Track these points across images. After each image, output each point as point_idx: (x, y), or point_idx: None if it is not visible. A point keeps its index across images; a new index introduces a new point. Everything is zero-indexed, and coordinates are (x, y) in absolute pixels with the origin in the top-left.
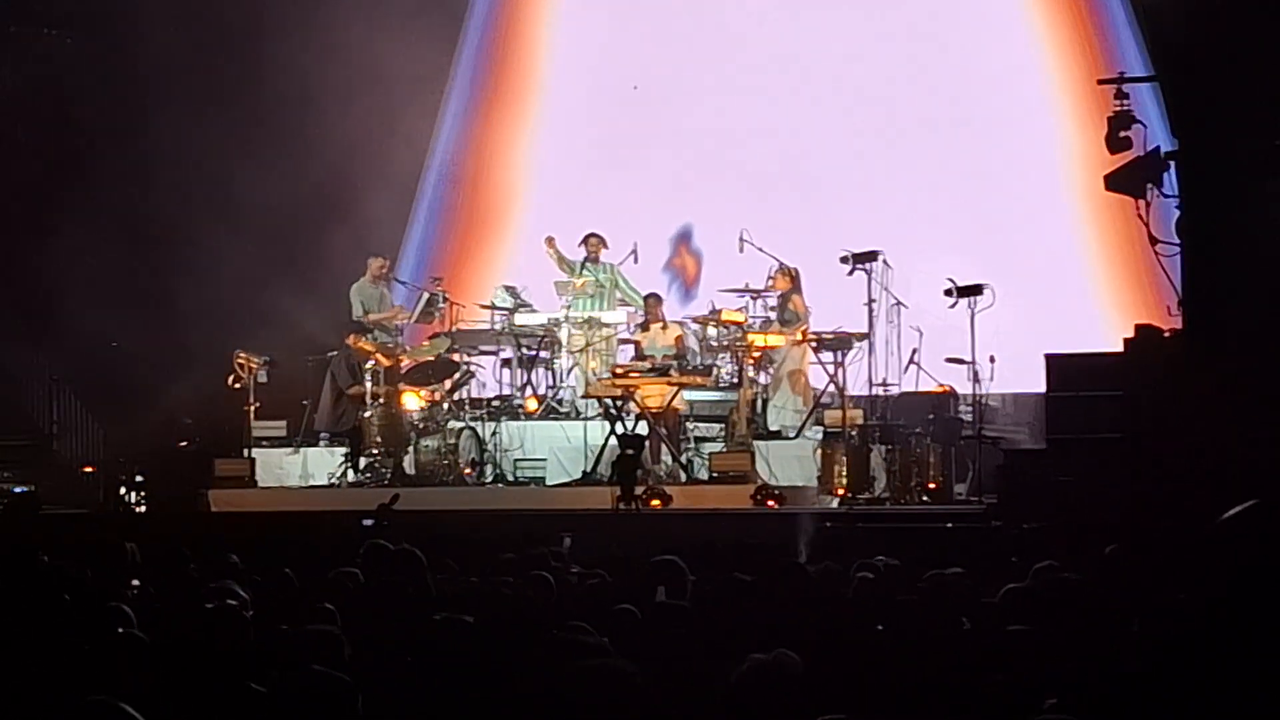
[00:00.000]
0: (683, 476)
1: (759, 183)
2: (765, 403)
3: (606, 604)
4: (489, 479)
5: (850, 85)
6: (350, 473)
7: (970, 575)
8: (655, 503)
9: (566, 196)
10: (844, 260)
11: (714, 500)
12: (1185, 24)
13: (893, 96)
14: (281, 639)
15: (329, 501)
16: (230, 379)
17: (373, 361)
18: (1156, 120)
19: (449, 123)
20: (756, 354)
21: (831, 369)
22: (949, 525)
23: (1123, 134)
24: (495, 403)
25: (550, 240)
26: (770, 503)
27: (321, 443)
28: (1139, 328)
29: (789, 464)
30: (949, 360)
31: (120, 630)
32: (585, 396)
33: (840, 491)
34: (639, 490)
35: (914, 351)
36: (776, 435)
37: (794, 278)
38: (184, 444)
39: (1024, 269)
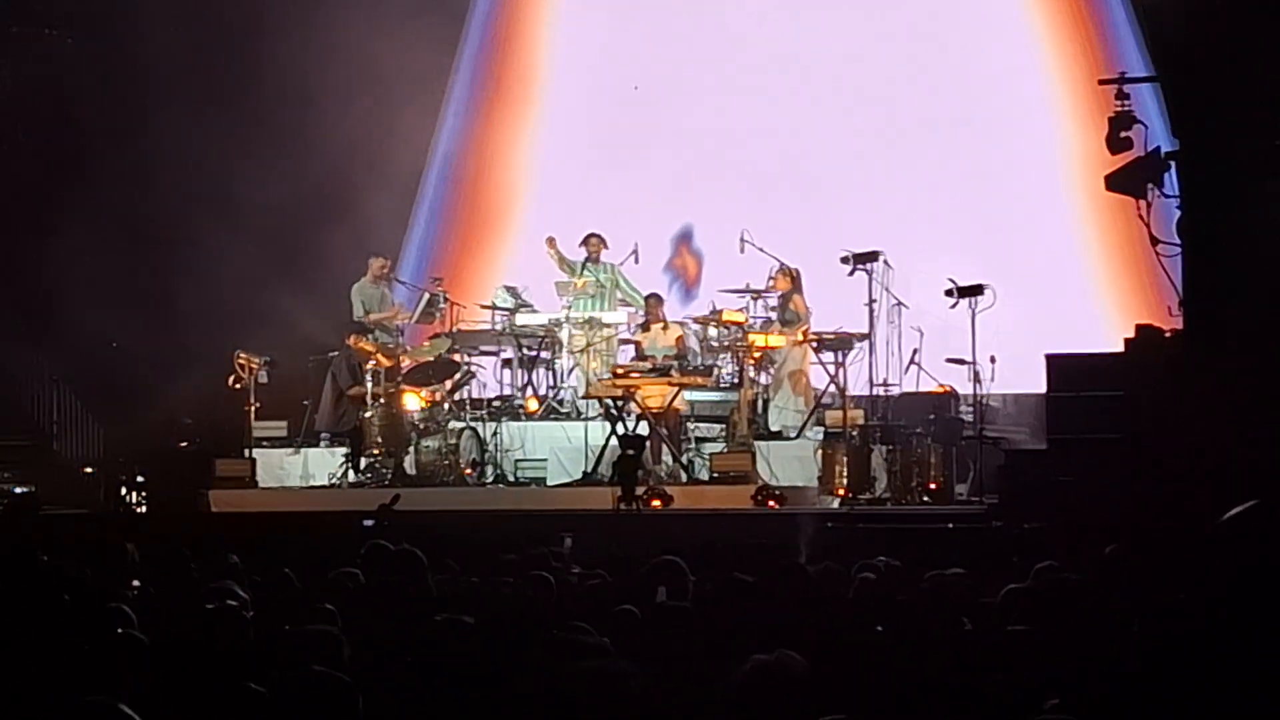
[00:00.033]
0: (683, 477)
1: (760, 183)
2: (766, 403)
3: (607, 604)
4: (490, 479)
5: (850, 85)
6: (351, 473)
7: (971, 576)
8: (656, 503)
9: (567, 196)
10: (845, 260)
11: (715, 500)
12: (1185, 24)
13: (893, 96)
14: (282, 639)
15: (329, 502)
16: (231, 379)
17: (373, 362)
18: (1157, 120)
19: (449, 122)
20: (757, 354)
21: (832, 369)
22: (950, 526)
23: (1123, 134)
24: (496, 403)
25: (551, 240)
26: (771, 503)
27: (322, 443)
28: (1139, 328)
29: (790, 464)
30: (950, 360)
31: (120, 630)
32: (586, 397)
33: (841, 492)
34: (640, 491)
35: (915, 352)
36: (777, 435)
37: (795, 278)
38: (184, 444)
39: (1024, 269)
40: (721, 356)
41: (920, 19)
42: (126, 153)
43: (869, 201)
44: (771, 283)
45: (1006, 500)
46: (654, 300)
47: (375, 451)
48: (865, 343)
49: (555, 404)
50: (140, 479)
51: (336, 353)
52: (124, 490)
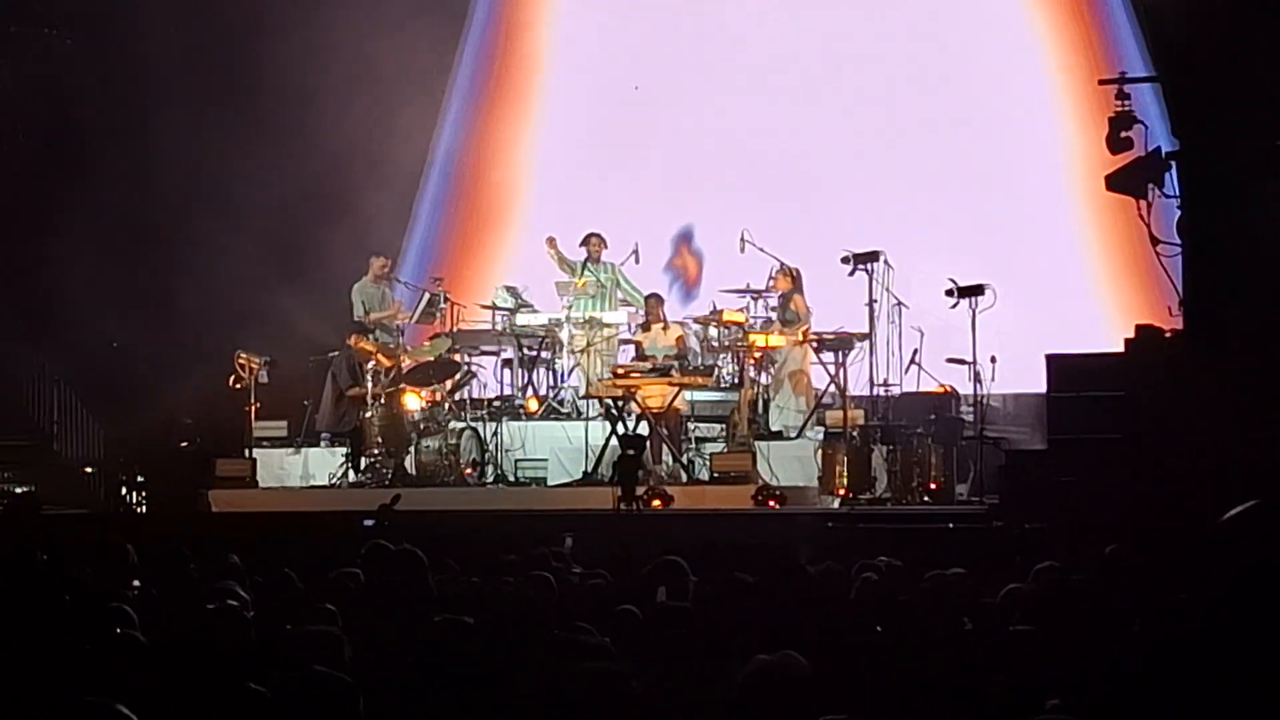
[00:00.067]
0: (684, 477)
1: (760, 183)
2: (767, 403)
3: (608, 604)
4: (490, 479)
5: (850, 85)
6: (351, 473)
7: (972, 576)
8: (656, 503)
9: (567, 196)
10: (845, 260)
11: (715, 500)
12: (1186, 24)
13: (893, 96)
14: (282, 639)
15: (330, 502)
16: (231, 379)
17: (374, 362)
18: (1157, 120)
19: (450, 122)
20: (757, 354)
21: (833, 369)
22: (950, 526)
23: (1124, 134)
24: (496, 403)
25: (551, 240)
26: (771, 503)
27: (322, 443)
28: (1140, 328)
29: (790, 464)
30: (950, 360)
31: (119, 630)
32: (586, 397)
33: (841, 492)
34: (640, 490)
35: (915, 352)
36: (778, 435)
37: (795, 278)
38: (184, 444)
39: (1025, 269)
40: (722, 356)
41: (920, 19)
42: (126, 153)
43: (869, 201)
44: (772, 283)
45: (1007, 500)
46: (654, 300)
47: (375, 451)
48: (866, 343)
49: (555, 404)
50: (140, 479)
51: (337, 353)
52: (124, 490)
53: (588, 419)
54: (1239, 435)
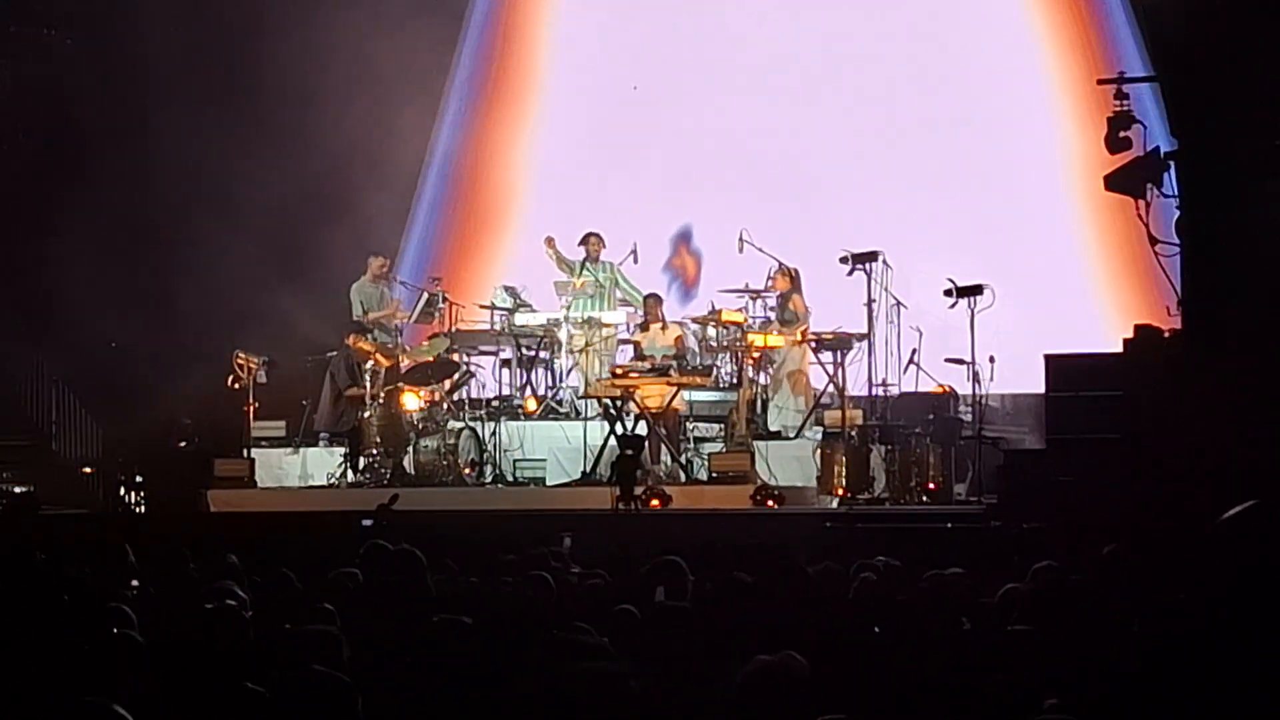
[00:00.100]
0: (682, 477)
1: (759, 183)
2: (765, 403)
3: (606, 604)
4: (488, 479)
5: (849, 85)
6: (349, 473)
7: (970, 575)
8: (655, 503)
9: (566, 196)
10: (844, 260)
11: (713, 500)
12: (1185, 24)
13: (891, 96)
14: (281, 639)
15: (328, 502)
16: (230, 379)
17: (372, 362)
18: (1156, 120)
19: (449, 122)
20: (756, 354)
21: (831, 369)
22: (949, 525)
23: (1122, 134)
24: (495, 403)
25: (550, 240)
26: (770, 503)
27: (321, 443)
28: (1138, 328)
29: (788, 464)
30: (949, 360)
31: (116, 630)
32: (585, 397)
33: (840, 492)
34: (638, 490)
35: (914, 352)
36: (776, 435)
37: (794, 278)
38: (183, 444)
39: (1024, 269)
40: (720, 356)
41: (920, 19)
42: (126, 153)
43: (868, 201)
44: (770, 282)
45: (1005, 500)
46: (653, 300)
47: (374, 451)
48: (864, 343)
49: (554, 404)
50: (139, 479)
51: (335, 353)
52: (123, 490)
53: (586, 419)
54: (1237, 435)
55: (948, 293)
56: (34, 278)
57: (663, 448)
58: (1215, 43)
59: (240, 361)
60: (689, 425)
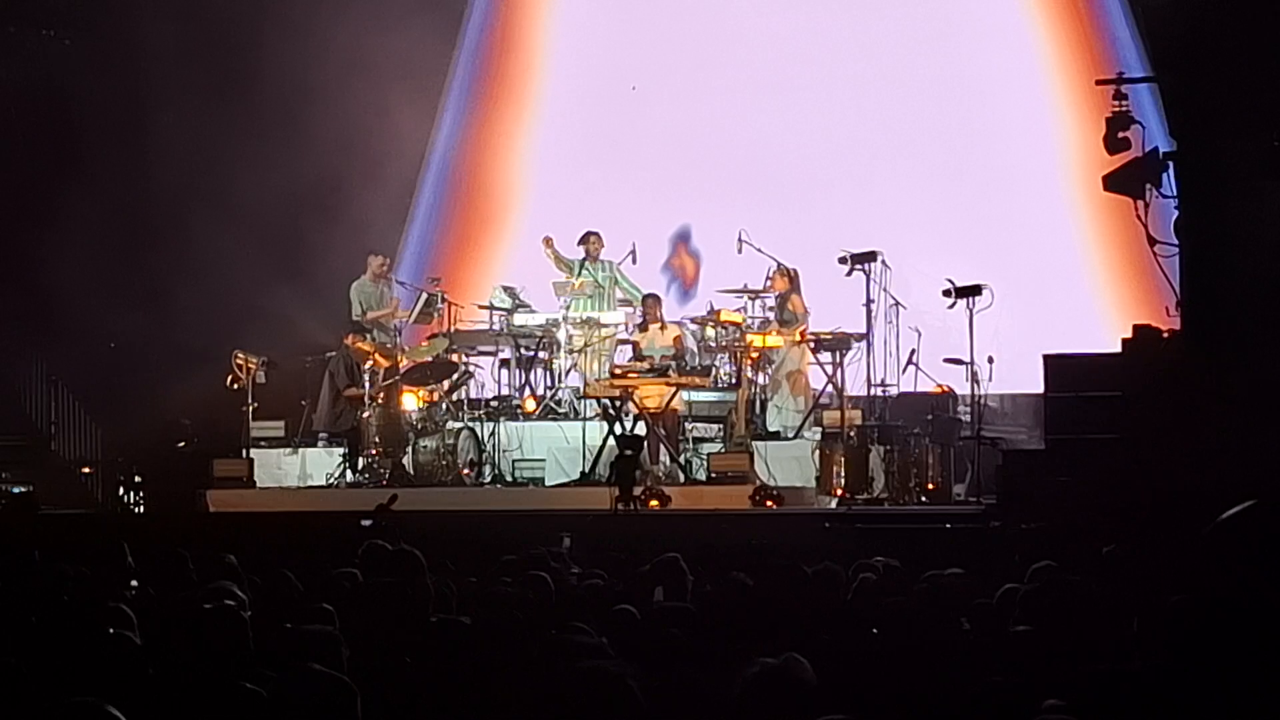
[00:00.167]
0: (681, 477)
1: (758, 183)
2: (764, 403)
3: (605, 605)
4: (487, 479)
5: (850, 86)
6: (348, 473)
7: (969, 576)
8: (654, 503)
9: (565, 196)
10: (842, 261)
11: (712, 501)
12: (1183, 24)
13: (892, 97)
14: (280, 639)
15: (327, 502)
16: (229, 379)
17: (371, 362)
18: (1155, 121)
19: (447, 122)
20: (755, 354)
21: (830, 369)
22: (947, 526)
23: (1121, 134)
24: (494, 403)
25: (548, 240)
26: (769, 503)
27: (320, 443)
28: (1137, 328)
29: (788, 464)
30: (947, 361)
31: (112, 630)
32: (584, 397)
33: (839, 492)
34: (637, 491)
35: (912, 352)
36: (775, 436)
37: (793, 278)
38: (182, 444)
39: (1023, 269)
40: (719, 357)
41: (919, 19)
42: (125, 152)
43: (867, 201)
44: (769, 283)
45: (1004, 500)
46: (652, 300)
47: (373, 451)
48: (863, 343)
49: (553, 404)
50: (138, 479)
51: (334, 353)
52: (122, 490)
53: (585, 419)
54: (1236, 435)
55: (946, 293)
56: (33, 277)
57: (662, 448)
58: (1214, 43)
59: (239, 361)
60: (688, 425)
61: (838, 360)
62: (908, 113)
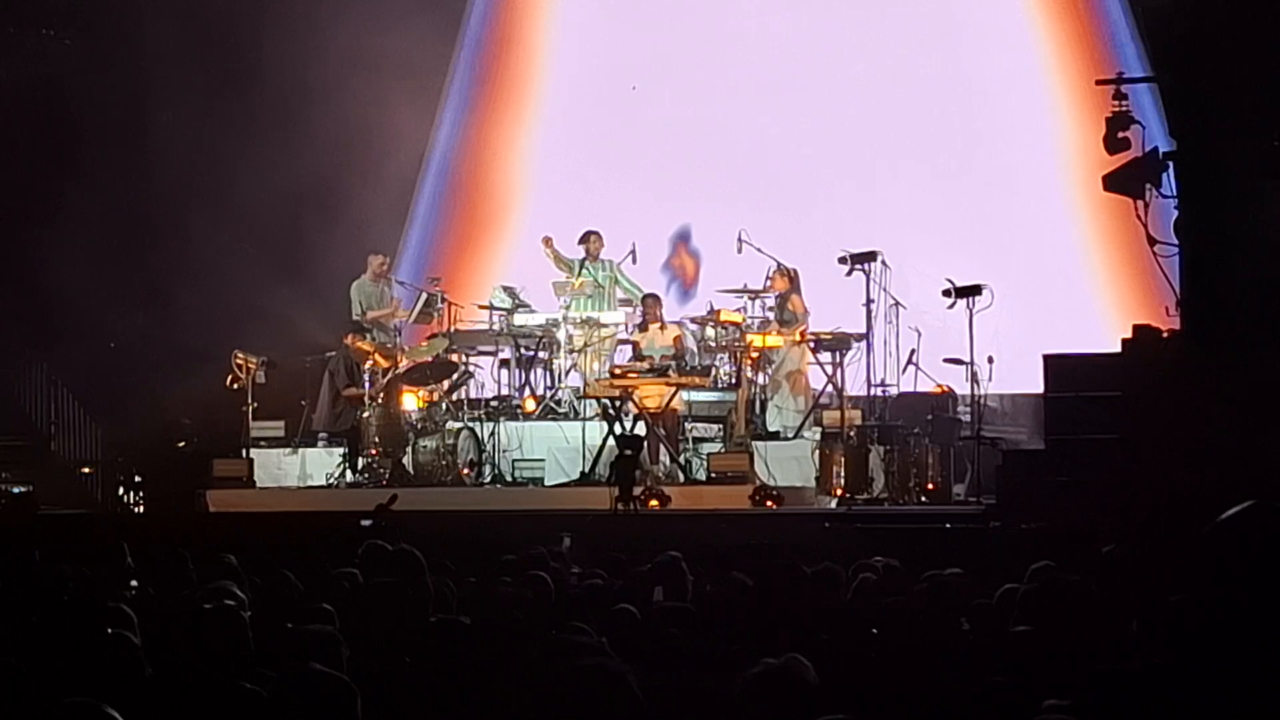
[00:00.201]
0: (681, 477)
1: (757, 183)
2: (764, 403)
3: (605, 604)
4: (487, 479)
5: (850, 86)
6: (348, 473)
7: (969, 576)
8: (654, 503)
9: (565, 196)
10: (842, 260)
11: (712, 501)
12: (1184, 24)
13: (892, 97)
14: (280, 640)
15: (327, 502)
16: (228, 379)
17: (371, 362)
18: (1155, 121)
19: (447, 122)
20: (755, 354)
21: (830, 369)
22: (947, 526)
23: (1121, 134)
24: (494, 403)
25: (547, 240)
26: (769, 503)
27: (320, 443)
28: (1137, 328)
29: (787, 464)
30: (947, 361)
31: (110, 631)
32: (583, 397)
33: (838, 492)
34: (637, 491)
35: (912, 352)
36: (775, 436)
37: (792, 278)
38: (182, 444)
39: (1022, 270)
40: (719, 357)
41: (920, 19)
42: (125, 152)
43: (867, 201)
44: (769, 283)
45: (1004, 500)
46: (652, 300)
47: (373, 451)
48: (863, 343)
49: (553, 404)
50: (138, 479)
51: (334, 353)
52: (122, 490)
53: (585, 419)
54: (1236, 435)
55: (946, 293)
56: (33, 277)
57: (661, 448)
58: (1214, 43)
59: (239, 361)
60: (688, 425)
61: (838, 360)
62: (908, 113)
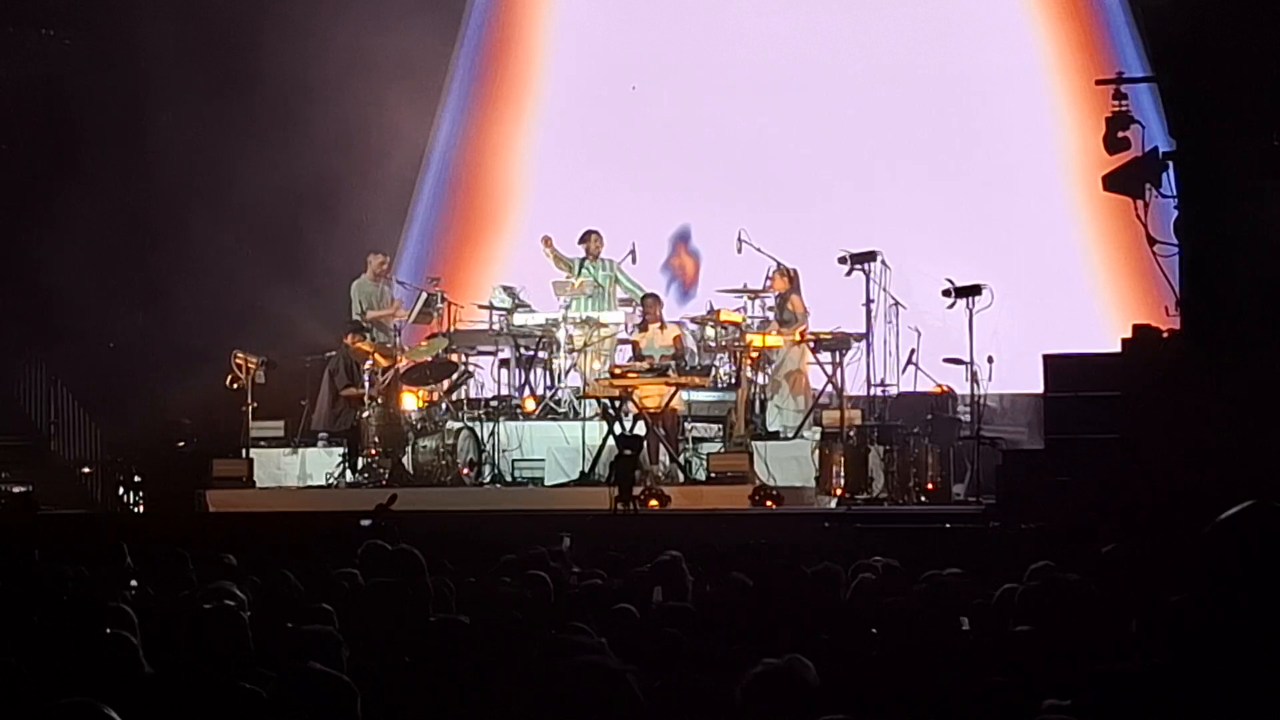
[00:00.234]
0: (681, 477)
1: (757, 182)
2: (764, 403)
3: (605, 604)
4: (487, 479)
5: (849, 86)
6: (348, 473)
7: (968, 576)
8: (653, 503)
9: (564, 196)
10: (842, 260)
11: (712, 501)
12: (1184, 24)
13: (892, 97)
14: (279, 640)
15: (327, 502)
16: (228, 379)
17: (371, 362)
18: (1155, 121)
19: (447, 121)
20: (755, 354)
21: (830, 369)
22: (947, 526)
23: (1121, 134)
24: (493, 403)
25: (547, 240)
26: (768, 503)
27: (319, 443)
28: (1137, 328)
29: (787, 464)
30: (947, 360)
31: (109, 631)
32: (583, 397)
33: (838, 492)
34: (637, 491)
35: (912, 352)
36: (774, 435)
37: (792, 278)
38: (182, 444)
39: (1022, 269)
40: (719, 356)
41: (919, 19)
42: (124, 152)
43: (867, 201)
44: (769, 283)
45: (1004, 500)
46: (651, 300)
47: (372, 451)
48: (863, 343)
49: (553, 404)
50: (138, 479)
51: (334, 353)
52: (121, 490)
53: (585, 419)
54: (1236, 435)
55: (946, 293)
56: (33, 277)
57: (661, 448)
58: (1214, 43)
59: (239, 361)
60: (687, 425)
61: (837, 360)
62: (907, 113)
